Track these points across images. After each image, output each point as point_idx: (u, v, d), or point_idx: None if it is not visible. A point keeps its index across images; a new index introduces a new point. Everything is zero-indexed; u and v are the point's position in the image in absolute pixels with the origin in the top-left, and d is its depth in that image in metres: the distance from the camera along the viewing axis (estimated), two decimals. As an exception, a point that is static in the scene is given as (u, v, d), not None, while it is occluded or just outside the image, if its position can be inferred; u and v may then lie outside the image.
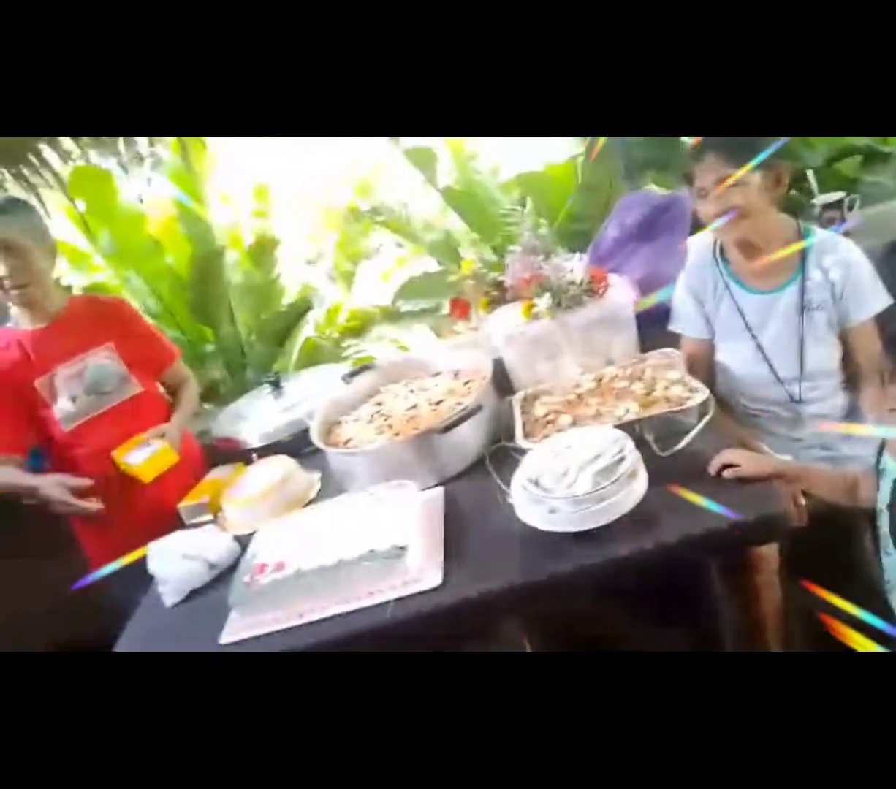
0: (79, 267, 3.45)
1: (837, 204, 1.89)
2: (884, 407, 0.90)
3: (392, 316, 2.88)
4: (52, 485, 1.36)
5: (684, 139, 3.21)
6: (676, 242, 1.75)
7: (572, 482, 1.00)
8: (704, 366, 1.38)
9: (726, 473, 1.00)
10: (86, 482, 1.39)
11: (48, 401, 1.45)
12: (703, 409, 1.15)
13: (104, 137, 2.86)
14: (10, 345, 1.47)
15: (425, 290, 2.81)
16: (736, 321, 1.33)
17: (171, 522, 1.40)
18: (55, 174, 2.80)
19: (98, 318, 1.54)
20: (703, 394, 1.16)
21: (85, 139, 2.85)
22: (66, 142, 2.79)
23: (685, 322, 1.40)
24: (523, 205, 3.15)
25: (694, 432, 1.12)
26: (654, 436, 1.16)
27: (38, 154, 2.76)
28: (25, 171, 2.81)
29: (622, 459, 1.01)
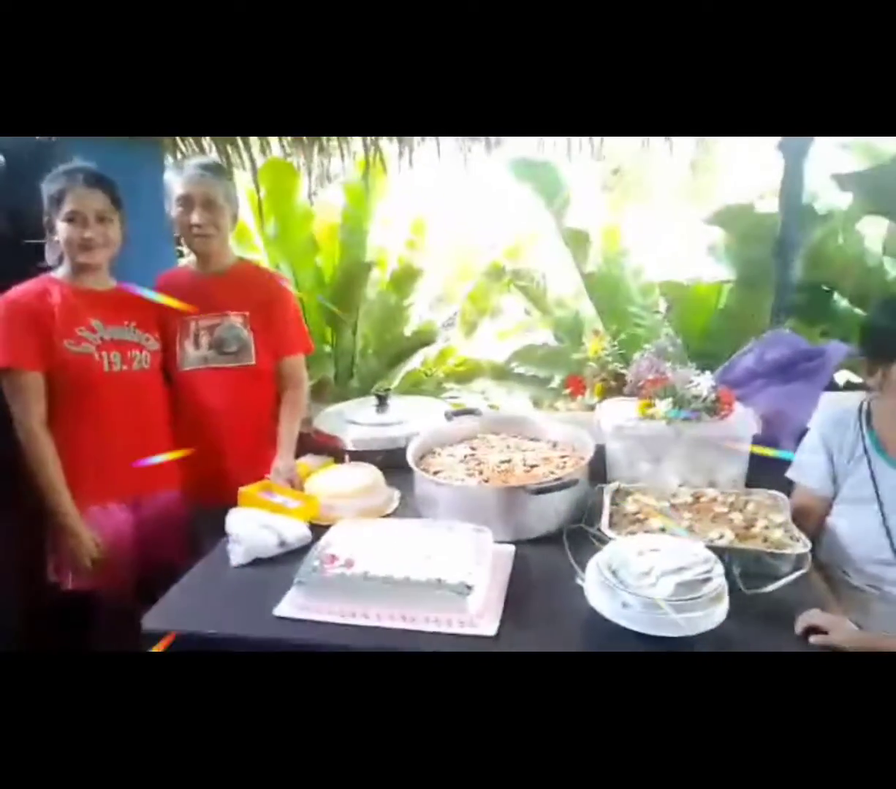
0: (239, 242, 3.74)
1: None
2: None
3: (499, 373, 2.96)
4: (89, 541, 1.41)
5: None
6: (810, 392, 1.75)
7: (652, 584, 1.00)
8: (812, 523, 1.32)
9: (813, 640, 0.98)
10: (99, 557, 1.43)
11: (178, 339, 1.60)
12: (798, 562, 1.13)
13: (305, 143, 3.13)
14: (183, 280, 1.66)
15: (541, 360, 2.89)
16: (866, 489, 1.28)
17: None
18: (252, 159, 3.09)
19: (254, 285, 1.65)
20: (804, 546, 1.14)
21: (289, 139, 3.14)
22: (273, 137, 3.09)
23: (809, 474, 1.36)
24: (661, 311, 3.23)
25: (785, 580, 1.10)
26: (740, 571, 1.14)
27: (245, 139, 3.06)
28: (229, 148, 3.12)
29: (708, 580, 1.01)
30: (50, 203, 1.43)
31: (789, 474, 1.40)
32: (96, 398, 1.45)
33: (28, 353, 1.38)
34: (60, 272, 1.49)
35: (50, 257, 1.51)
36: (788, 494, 1.36)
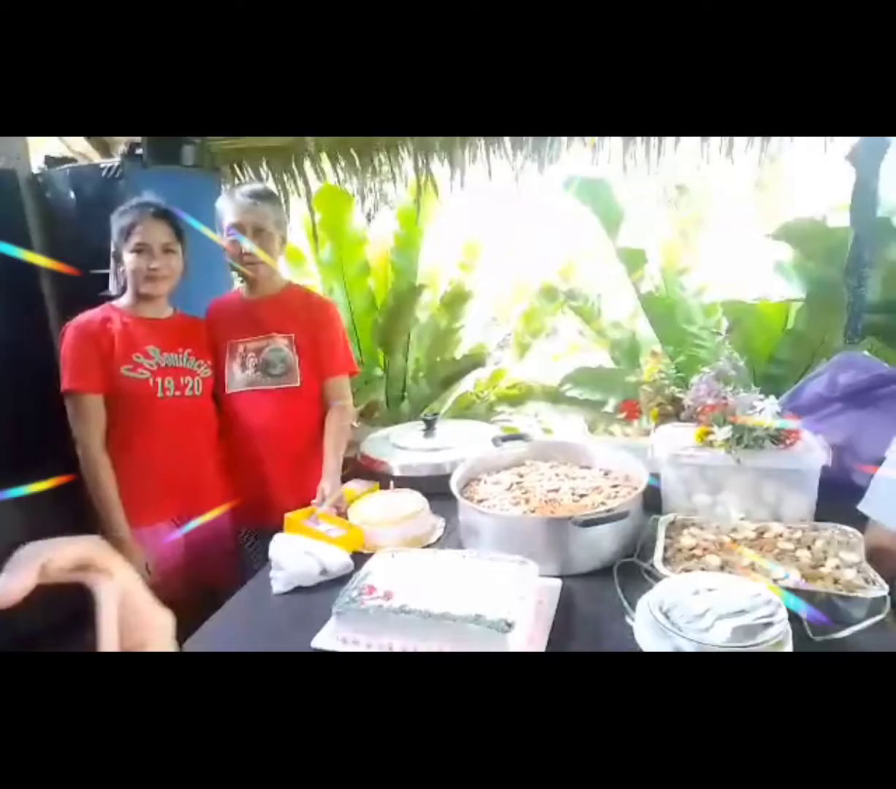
0: (293, 266, 3.84)
1: None
2: None
3: (552, 396, 2.90)
4: (141, 561, 1.44)
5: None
6: (887, 419, 1.63)
7: (707, 628, 0.93)
8: (892, 565, 1.22)
9: None
10: (149, 578, 1.45)
11: (227, 361, 1.65)
12: (875, 607, 1.04)
13: (359, 168, 3.18)
14: (233, 305, 1.71)
15: (595, 383, 2.81)
16: None
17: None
18: (308, 186, 3.17)
19: (301, 310, 1.67)
20: (881, 590, 1.04)
21: (344, 164, 3.21)
22: (327, 164, 3.16)
23: (887, 509, 1.26)
24: (721, 332, 3.10)
25: (858, 627, 1.00)
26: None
27: (300, 166, 3.14)
28: (285, 177, 3.21)
29: (770, 624, 0.93)
30: (119, 235, 1.50)
31: (863, 508, 1.29)
32: (150, 422, 1.49)
33: (90, 378, 1.45)
34: (123, 301, 1.55)
35: (113, 287, 1.58)
36: (861, 530, 1.25)
